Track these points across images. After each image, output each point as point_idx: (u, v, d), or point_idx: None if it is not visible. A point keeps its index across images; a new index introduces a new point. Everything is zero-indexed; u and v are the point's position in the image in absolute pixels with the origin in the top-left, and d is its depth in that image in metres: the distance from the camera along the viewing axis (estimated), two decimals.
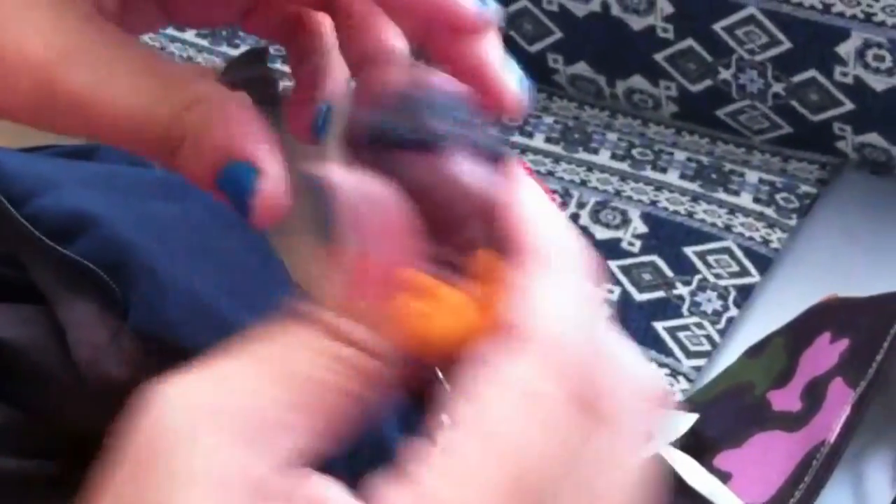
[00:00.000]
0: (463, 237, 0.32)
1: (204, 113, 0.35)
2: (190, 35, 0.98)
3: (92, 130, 0.35)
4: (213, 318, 0.48)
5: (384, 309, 0.30)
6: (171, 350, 0.47)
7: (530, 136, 0.87)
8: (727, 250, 0.78)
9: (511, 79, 0.38)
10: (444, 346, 0.31)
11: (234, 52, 0.94)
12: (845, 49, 0.76)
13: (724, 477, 0.58)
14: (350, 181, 0.30)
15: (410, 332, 0.30)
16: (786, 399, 0.61)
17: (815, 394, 0.60)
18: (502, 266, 0.31)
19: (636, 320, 0.74)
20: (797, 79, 0.79)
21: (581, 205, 0.82)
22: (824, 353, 0.61)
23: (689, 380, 0.71)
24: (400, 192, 0.30)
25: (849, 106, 0.78)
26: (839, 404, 0.58)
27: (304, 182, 0.31)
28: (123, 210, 0.51)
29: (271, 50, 0.95)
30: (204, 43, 0.97)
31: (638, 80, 0.86)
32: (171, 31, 0.98)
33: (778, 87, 0.80)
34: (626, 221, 0.80)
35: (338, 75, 0.40)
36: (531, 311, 0.30)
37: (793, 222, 0.79)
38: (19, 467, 0.48)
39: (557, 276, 0.31)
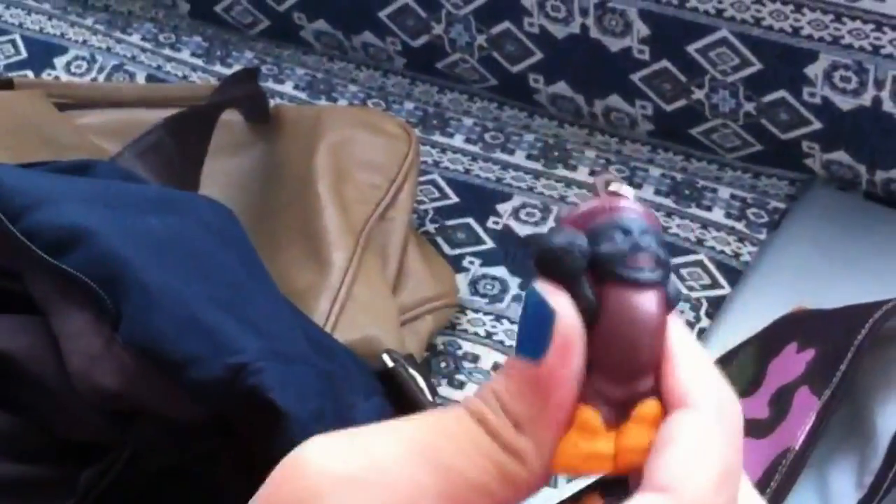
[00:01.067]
0: (644, 382, 0.29)
1: None
2: (185, 55, 0.98)
3: None
4: (204, 330, 0.48)
5: (554, 435, 0.29)
6: (161, 361, 0.47)
7: (512, 152, 0.87)
8: (699, 263, 0.79)
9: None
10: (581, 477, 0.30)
11: (228, 71, 0.94)
12: (814, 70, 0.76)
13: None
14: (569, 312, 0.28)
15: (563, 464, 0.29)
16: (754, 407, 0.61)
17: (782, 402, 0.60)
18: (657, 413, 0.29)
19: None
20: (767, 99, 0.79)
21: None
22: (791, 362, 0.62)
23: None
24: (623, 323, 0.28)
25: (817, 125, 0.79)
26: (805, 412, 0.58)
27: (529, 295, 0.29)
28: (117, 225, 0.51)
29: (263, 69, 0.96)
30: (199, 62, 0.98)
31: (615, 100, 0.86)
32: (167, 51, 0.99)
33: (749, 107, 0.80)
34: None
35: None
36: (681, 472, 0.28)
37: (763, 236, 0.80)
38: (15, 472, 0.49)
39: (712, 436, 0.29)
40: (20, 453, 0.49)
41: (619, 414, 0.29)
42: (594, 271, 0.28)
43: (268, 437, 0.45)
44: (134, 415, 0.49)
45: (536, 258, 0.29)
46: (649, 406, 0.29)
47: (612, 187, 0.30)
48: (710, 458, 0.29)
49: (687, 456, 0.28)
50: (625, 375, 0.29)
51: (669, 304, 0.29)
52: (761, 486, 0.56)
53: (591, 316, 0.28)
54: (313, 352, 0.51)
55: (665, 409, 0.29)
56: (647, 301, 0.28)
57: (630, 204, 0.29)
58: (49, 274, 0.49)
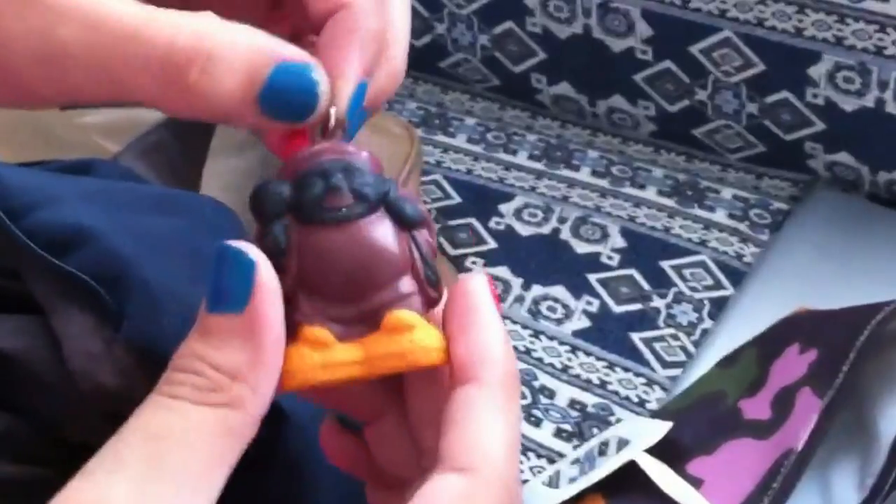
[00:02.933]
0: (383, 296, 0.33)
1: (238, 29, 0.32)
2: None
3: (129, 65, 0.32)
4: None
5: (272, 375, 0.31)
6: (164, 361, 0.47)
7: (514, 153, 0.87)
8: (702, 264, 0.79)
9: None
10: (325, 389, 0.33)
11: None
12: (817, 71, 0.76)
13: (697, 483, 0.58)
14: (265, 261, 0.32)
15: (300, 380, 0.32)
16: (756, 408, 0.61)
17: (784, 403, 0.60)
18: (407, 321, 0.33)
19: (614, 331, 0.75)
20: (770, 99, 0.79)
21: (562, 220, 0.82)
22: (794, 363, 0.62)
23: (664, 389, 0.72)
24: (321, 259, 0.32)
25: (820, 126, 0.79)
26: (807, 413, 0.58)
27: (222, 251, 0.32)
28: (119, 224, 0.51)
29: None
30: None
31: (618, 100, 0.86)
32: None
33: (752, 108, 0.80)
34: (605, 236, 0.81)
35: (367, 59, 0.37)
36: (479, 451, 0.31)
37: (765, 237, 0.80)
38: (16, 473, 0.48)
39: (500, 407, 0.32)
40: (20, 454, 0.49)
41: (361, 329, 0.33)
42: (298, 213, 0.33)
43: (268, 439, 0.45)
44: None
45: (249, 202, 0.33)
46: (395, 316, 0.33)
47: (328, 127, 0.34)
48: (504, 435, 0.31)
49: (482, 435, 0.31)
50: (344, 298, 0.32)
51: (406, 222, 0.33)
52: (763, 486, 0.56)
53: (283, 256, 0.32)
54: None
55: (455, 375, 0.33)
56: (346, 235, 0.33)
57: (333, 147, 0.33)
58: (50, 273, 0.49)
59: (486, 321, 0.33)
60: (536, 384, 0.72)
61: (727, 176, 0.84)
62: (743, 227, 0.81)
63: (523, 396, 0.71)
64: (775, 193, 0.82)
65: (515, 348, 0.72)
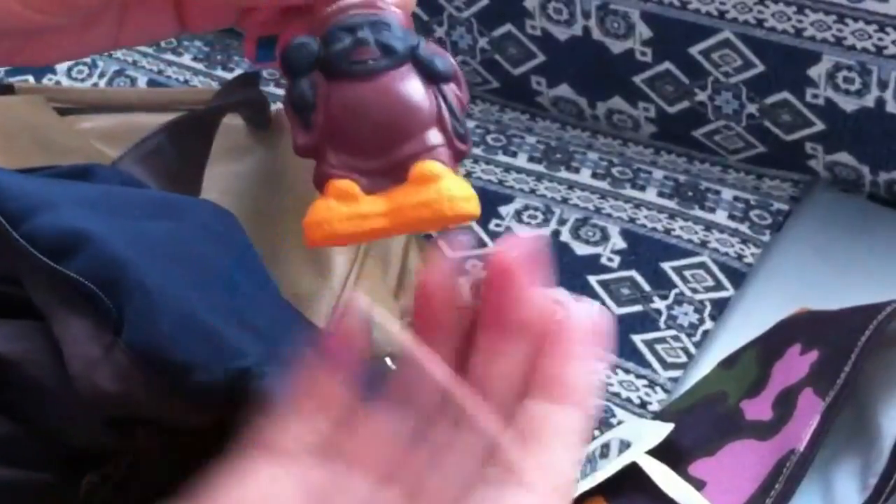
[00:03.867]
0: (410, 147, 0.33)
1: None
2: (187, 59, 0.98)
3: None
4: (204, 333, 0.49)
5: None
6: (163, 366, 0.47)
7: (514, 155, 0.87)
8: (703, 265, 0.79)
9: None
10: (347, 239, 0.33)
11: (229, 76, 0.95)
12: (816, 72, 0.76)
13: (699, 485, 0.58)
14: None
15: (327, 231, 0.33)
16: (758, 408, 0.61)
17: (785, 403, 0.60)
18: (435, 171, 0.33)
19: (615, 333, 0.75)
20: (770, 100, 0.79)
21: (562, 222, 0.82)
22: (795, 364, 0.62)
23: (665, 390, 0.72)
24: (348, 111, 0.33)
25: (820, 126, 0.79)
26: (809, 414, 0.58)
27: None
28: (117, 228, 0.51)
29: (264, 74, 0.96)
30: (200, 67, 0.98)
31: (617, 102, 0.86)
32: (169, 55, 0.99)
33: (752, 108, 0.80)
34: (605, 238, 0.81)
35: None
36: (558, 470, 0.33)
37: (766, 238, 0.80)
38: (17, 477, 0.48)
39: (581, 436, 0.34)
40: (21, 459, 0.49)
41: (388, 181, 0.33)
42: (326, 67, 0.33)
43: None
44: (134, 420, 0.49)
45: (279, 59, 0.34)
46: (422, 167, 0.33)
47: None
48: (577, 456, 0.33)
49: (563, 455, 0.33)
50: (371, 151, 0.33)
51: (435, 76, 0.33)
52: (765, 488, 0.56)
53: (310, 110, 0.33)
54: None
55: (537, 389, 0.34)
56: (372, 88, 0.33)
57: (361, 2, 0.34)
58: (50, 278, 0.49)
59: (581, 345, 0.35)
60: None
61: (727, 177, 0.84)
62: (743, 227, 0.80)
63: None
64: (776, 194, 0.82)
65: None
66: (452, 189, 0.33)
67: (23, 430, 0.49)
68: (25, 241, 0.49)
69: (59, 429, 0.49)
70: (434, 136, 0.33)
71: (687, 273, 0.78)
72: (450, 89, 0.34)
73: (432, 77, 0.33)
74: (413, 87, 0.33)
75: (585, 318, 0.35)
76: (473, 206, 0.33)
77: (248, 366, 0.47)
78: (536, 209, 0.83)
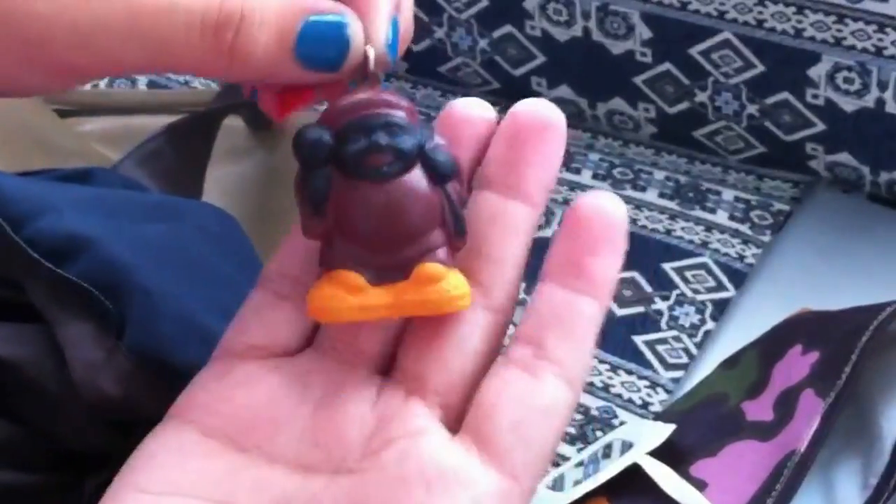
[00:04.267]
0: (414, 249, 0.35)
1: None
2: None
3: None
4: (206, 336, 0.48)
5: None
6: (166, 368, 0.47)
7: None
8: (704, 266, 0.79)
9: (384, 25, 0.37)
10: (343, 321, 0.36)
11: None
12: (816, 72, 0.76)
13: (700, 485, 0.58)
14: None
15: (333, 318, 0.35)
16: (759, 409, 0.61)
17: (786, 404, 0.60)
18: (436, 273, 0.35)
19: (616, 334, 0.75)
20: (771, 101, 0.79)
21: None
22: (796, 364, 0.62)
23: (667, 391, 0.72)
24: (358, 211, 0.35)
25: (820, 127, 0.79)
26: (810, 414, 0.58)
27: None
28: (118, 232, 0.51)
29: None
30: None
31: (618, 103, 0.86)
32: None
33: (752, 109, 0.80)
34: None
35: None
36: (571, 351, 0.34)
37: (767, 238, 0.80)
38: (18, 480, 0.49)
39: (595, 324, 0.36)
40: (23, 462, 0.49)
41: (392, 276, 0.35)
42: (340, 164, 0.35)
43: None
44: (136, 423, 0.49)
45: (293, 147, 0.35)
46: (424, 269, 0.35)
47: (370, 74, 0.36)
48: (592, 351, 0.35)
49: (585, 345, 0.35)
50: (378, 248, 0.35)
51: (440, 176, 0.35)
52: (767, 488, 0.56)
53: (323, 203, 0.35)
54: None
55: (557, 275, 0.36)
56: (383, 192, 0.35)
57: (374, 98, 0.35)
58: (51, 282, 0.49)
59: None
60: None
61: (728, 177, 0.84)
62: (744, 228, 0.80)
63: None
64: (776, 194, 0.82)
65: None
66: (451, 290, 0.35)
67: (24, 432, 0.49)
68: (27, 245, 0.49)
69: (60, 432, 0.49)
70: (436, 238, 0.35)
71: (688, 274, 0.78)
72: (452, 188, 0.36)
73: (437, 176, 0.35)
74: (420, 193, 0.35)
75: (607, 207, 0.36)
76: (468, 301, 0.36)
77: None
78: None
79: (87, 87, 0.96)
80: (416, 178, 0.35)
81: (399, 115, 0.35)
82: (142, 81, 0.97)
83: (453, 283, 0.35)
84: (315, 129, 0.35)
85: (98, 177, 0.59)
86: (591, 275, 0.35)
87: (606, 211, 0.36)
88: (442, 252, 0.35)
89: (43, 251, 0.49)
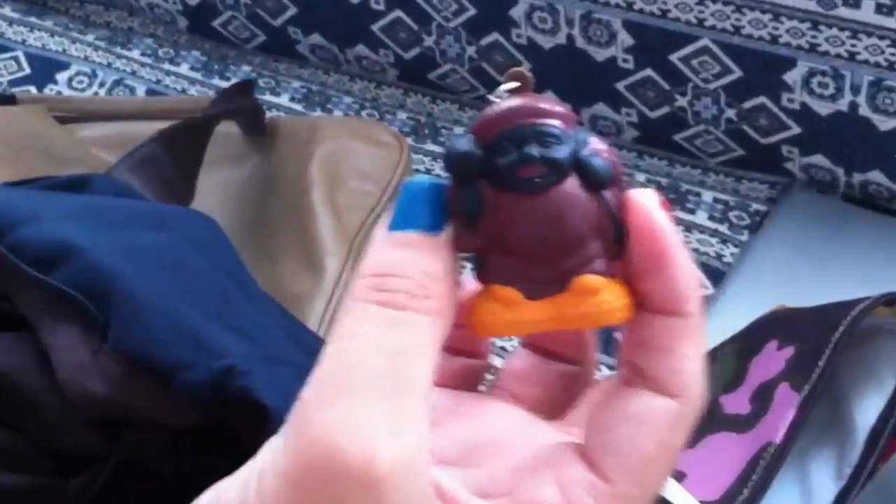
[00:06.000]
0: (571, 261, 0.33)
1: None
2: (184, 69, 0.99)
3: None
4: (191, 337, 0.48)
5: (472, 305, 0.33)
6: (150, 368, 0.47)
7: None
8: None
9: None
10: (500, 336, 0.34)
11: (226, 85, 0.95)
12: (792, 77, 0.76)
13: (679, 476, 0.59)
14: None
15: (489, 332, 0.33)
16: (736, 402, 0.62)
17: (763, 397, 0.60)
18: (594, 286, 0.33)
19: (602, 331, 0.75)
20: (748, 105, 0.80)
21: None
22: (772, 359, 0.62)
23: None
24: (512, 224, 0.33)
25: (796, 130, 0.79)
26: (785, 407, 0.58)
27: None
28: (104, 239, 0.50)
29: (260, 82, 0.96)
30: (198, 76, 0.98)
31: (601, 108, 0.86)
32: (166, 65, 0.99)
33: (730, 113, 0.81)
34: None
35: None
36: (687, 375, 0.32)
37: (744, 238, 0.80)
38: (7, 481, 0.48)
39: (701, 336, 0.33)
40: (12, 464, 0.49)
41: (548, 289, 0.33)
42: (492, 177, 0.33)
43: (259, 441, 0.46)
44: (122, 425, 0.49)
45: (444, 160, 0.33)
46: (582, 281, 0.33)
47: (506, 87, 0.34)
48: (701, 363, 0.32)
49: (690, 364, 0.32)
50: (534, 261, 0.33)
51: (596, 184, 0.33)
52: (744, 478, 0.57)
53: (476, 218, 0.33)
54: (304, 355, 0.51)
55: (655, 308, 0.33)
56: (538, 204, 0.32)
57: (525, 106, 0.33)
58: (36, 289, 0.49)
59: (678, 255, 0.32)
60: None
61: (707, 179, 0.84)
62: (723, 228, 0.81)
63: None
64: (754, 195, 0.83)
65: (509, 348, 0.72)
66: (612, 302, 0.33)
67: (12, 436, 0.49)
68: (10, 253, 0.49)
69: (50, 434, 0.49)
70: (594, 248, 0.33)
71: None
72: (611, 195, 0.33)
73: (593, 184, 0.33)
74: (576, 203, 0.33)
75: (663, 217, 0.33)
76: (627, 314, 0.33)
77: (232, 364, 0.47)
78: None
79: (87, 94, 0.96)
80: (572, 187, 0.33)
81: (552, 123, 0.33)
82: (140, 89, 0.97)
83: (612, 295, 0.33)
84: (465, 141, 0.33)
85: (96, 183, 0.59)
86: (685, 298, 0.34)
87: (669, 222, 0.35)
88: (600, 263, 0.33)
89: (27, 259, 0.49)
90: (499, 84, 0.35)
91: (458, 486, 0.32)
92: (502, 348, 0.72)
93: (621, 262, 0.33)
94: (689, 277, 0.32)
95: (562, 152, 0.33)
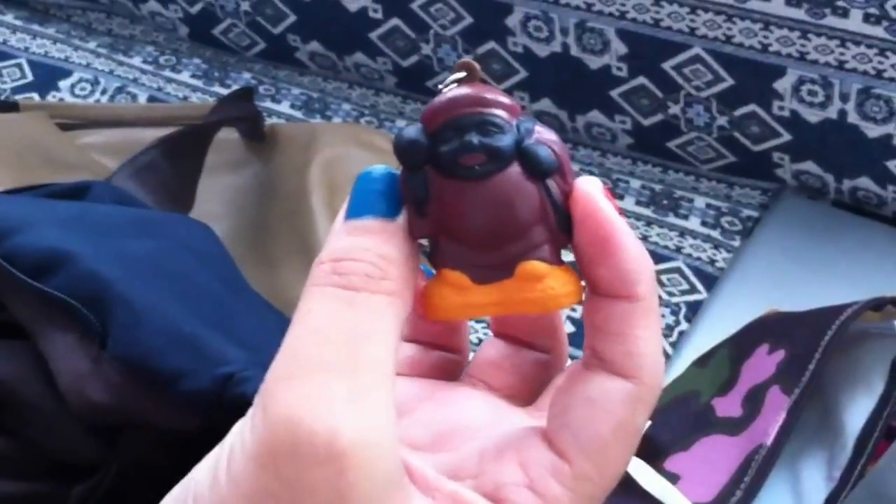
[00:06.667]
0: (516, 247, 0.33)
1: None
2: (185, 76, 0.99)
3: None
4: (190, 344, 0.48)
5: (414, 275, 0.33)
6: (150, 376, 0.47)
7: None
8: (678, 270, 0.79)
9: None
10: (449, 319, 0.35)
11: (227, 92, 0.95)
12: (782, 85, 0.77)
13: (674, 478, 0.59)
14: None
15: (441, 315, 0.34)
16: (728, 405, 0.62)
17: (754, 400, 0.60)
18: (539, 271, 0.33)
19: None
20: (739, 112, 0.80)
21: None
22: (763, 363, 0.62)
23: None
24: (457, 210, 0.33)
25: (786, 137, 0.79)
26: (776, 410, 0.58)
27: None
28: (100, 246, 0.50)
29: (260, 89, 0.96)
30: (199, 83, 0.98)
31: (596, 115, 0.87)
32: (167, 72, 0.99)
33: (722, 120, 0.81)
34: None
35: None
36: (643, 357, 0.32)
37: (736, 243, 0.80)
38: (9, 489, 0.48)
39: (655, 318, 0.33)
40: (13, 472, 0.49)
41: (495, 274, 0.33)
42: (437, 165, 0.33)
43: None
44: (122, 432, 0.49)
45: (393, 148, 0.33)
46: (528, 266, 0.33)
47: (456, 75, 0.34)
48: (658, 344, 0.33)
49: (646, 345, 0.32)
50: (480, 247, 0.33)
51: (539, 172, 0.33)
52: (736, 480, 0.57)
53: (424, 203, 0.33)
54: None
55: (605, 291, 0.33)
56: (480, 191, 0.33)
57: (469, 95, 0.33)
58: (32, 297, 0.48)
59: (624, 239, 0.33)
60: None
61: (700, 185, 0.85)
62: (715, 233, 0.81)
63: None
64: (745, 201, 0.83)
65: None
66: (556, 287, 0.33)
67: (14, 444, 0.49)
68: (5, 261, 0.49)
69: (48, 442, 0.49)
70: (538, 234, 0.33)
71: (663, 277, 0.79)
72: (554, 183, 0.33)
73: (536, 173, 0.33)
74: (518, 190, 0.33)
75: (606, 204, 0.33)
76: (574, 298, 0.34)
77: (232, 371, 0.47)
78: None
79: (90, 102, 0.97)
80: (514, 175, 0.33)
81: (495, 112, 0.33)
82: (142, 96, 0.97)
83: (557, 281, 0.33)
84: (412, 129, 0.33)
85: (96, 191, 0.59)
86: (637, 283, 0.34)
87: (612, 206, 0.34)
88: (545, 250, 0.33)
89: (22, 267, 0.49)
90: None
91: (429, 467, 0.32)
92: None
93: (572, 248, 0.34)
94: (636, 261, 0.33)
95: (503, 141, 0.33)
